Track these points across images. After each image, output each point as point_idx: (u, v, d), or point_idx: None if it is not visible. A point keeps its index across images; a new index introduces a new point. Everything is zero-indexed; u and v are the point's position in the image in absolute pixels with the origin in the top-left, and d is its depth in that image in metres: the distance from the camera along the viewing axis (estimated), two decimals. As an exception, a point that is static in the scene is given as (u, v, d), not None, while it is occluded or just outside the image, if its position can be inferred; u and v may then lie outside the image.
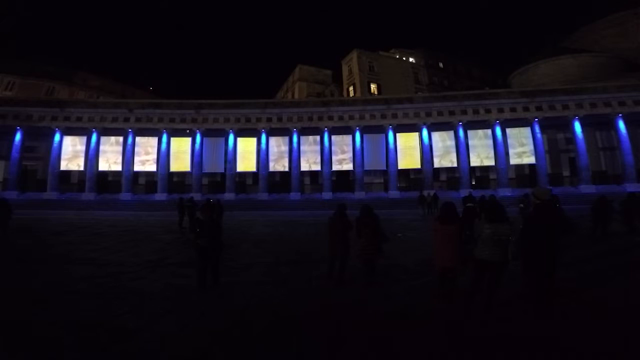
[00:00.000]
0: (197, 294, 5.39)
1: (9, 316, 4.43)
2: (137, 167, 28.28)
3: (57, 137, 27.31)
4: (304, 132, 28.74)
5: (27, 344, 3.63)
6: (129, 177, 27.68)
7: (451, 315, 4.34)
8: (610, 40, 38.17)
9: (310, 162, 28.75)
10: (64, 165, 27.62)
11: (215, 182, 30.18)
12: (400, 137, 28.37)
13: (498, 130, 26.96)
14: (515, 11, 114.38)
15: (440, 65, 50.50)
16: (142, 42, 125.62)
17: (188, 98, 31.31)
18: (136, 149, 28.23)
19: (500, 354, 3.39)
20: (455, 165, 27.64)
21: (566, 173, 28.35)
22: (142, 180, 29.93)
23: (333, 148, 28.70)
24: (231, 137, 28.52)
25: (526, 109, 26.74)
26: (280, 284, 5.95)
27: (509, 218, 4.39)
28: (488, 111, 27.27)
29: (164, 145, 28.16)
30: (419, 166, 28.23)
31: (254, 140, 29.11)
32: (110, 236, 12.19)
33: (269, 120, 28.62)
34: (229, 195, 26.87)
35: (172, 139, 28.68)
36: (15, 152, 26.49)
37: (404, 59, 48.60)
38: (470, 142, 27.62)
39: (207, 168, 28.78)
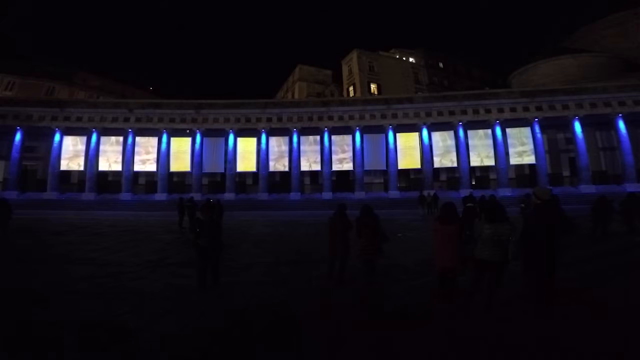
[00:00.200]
0: (197, 294, 5.39)
1: (9, 316, 4.44)
2: (137, 167, 28.29)
3: (57, 137, 27.32)
4: (304, 132, 28.74)
5: (27, 344, 3.63)
6: (129, 177, 27.69)
7: (451, 315, 4.34)
8: (610, 40, 38.17)
9: (310, 162, 28.75)
10: (64, 165, 27.63)
11: (215, 182, 30.18)
12: (400, 137, 28.38)
13: (498, 130, 26.96)
14: (515, 11, 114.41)
15: (440, 65, 50.50)
16: (142, 42, 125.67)
17: (188, 98, 31.32)
18: (136, 149, 28.24)
19: (500, 354, 3.38)
20: (455, 165, 27.65)
21: (566, 173, 28.36)
22: (142, 180, 29.94)
23: (333, 148, 28.70)
24: (231, 137, 28.52)
25: (526, 109, 26.74)
26: (280, 284, 5.95)
27: (509, 218, 4.39)
28: (488, 111, 27.28)
29: (164, 145, 28.17)
30: (419, 166, 28.23)
31: (254, 140, 29.11)
32: (110, 236, 12.19)
33: (269, 120, 28.62)
34: (229, 195, 26.88)
35: (172, 139, 28.68)
36: (15, 152, 26.49)
37: (404, 59, 48.60)
38: (470, 142, 27.62)
39: (207, 168, 28.78)
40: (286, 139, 28.98)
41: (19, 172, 26.76)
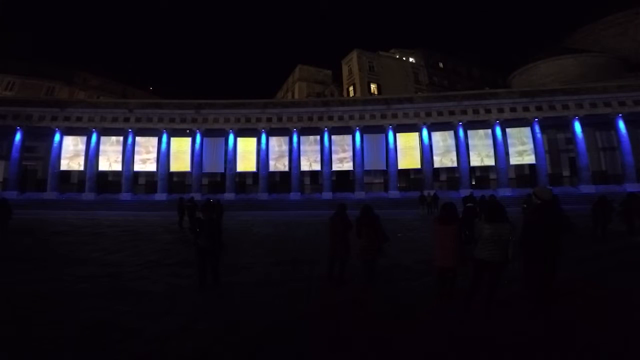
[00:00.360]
0: (198, 294, 5.39)
1: (9, 316, 4.44)
2: (137, 167, 28.29)
3: (57, 137, 27.32)
4: (304, 132, 28.75)
5: (27, 344, 3.63)
6: (129, 177, 27.69)
7: (451, 315, 4.34)
8: (610, 40, 38.18)
9: (310, 162, 28.76)
10: (64, 165, 27.63)
11: (215, 182, 30.19)
12: (400, 137, 28.38)
13: (498, 130, 26.97)
14: (515, 11, 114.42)
15: (440, 65, 50.49)
16: (142, 42, 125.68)
17: (188, 98, 31.29)
18: (136, 148, 28.24)
19: (500, 354, 3.39)
20: (455, 165, 27.65)
21: (566, 173, 28.37)
22: (142, 180, 29.94)
23: (333, 148, 28.70)
24: (231, 137, 28.53)
25: (526, 109, 26.75)
26: (281, 284, 5.95)
27: (508, 218, 4.39)
28: (488, 111, 27.28)
29: (164, 145, 28.17)
30: (419, 166, 28.23)
31: (254, 140, 29.12)
32: (110, 236, 12.19)
33: (269, 120, 28.63)
34: (229, 195, 26.89)
35: (172, 139, 28.69)
36: (15, 152, 26.49)
37: (404, 59, 48.59)
38: (470, 142, 27.62)
39: (207, 168, 28.79)
40: (286, 139, 28.99)
41: (19, 172, 26.76)
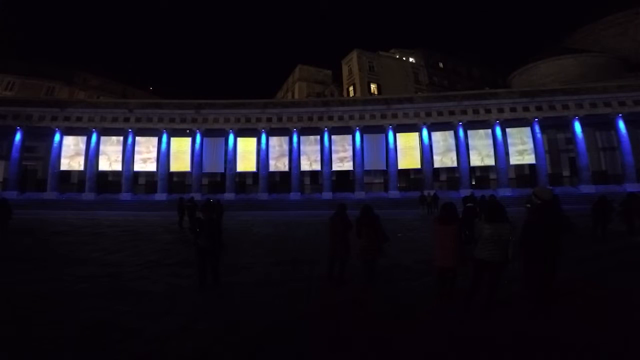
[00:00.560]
0: (198, 294, 5.39)
1: (9, 316, 4.44)
2: (137, 167, 28.29)
3: (57, 137, 27.32)
4: (304, 132, 28.75)
5: (27, 344, 3.63)
6: (129, 177, 27.69)
7: (451, 315, 4.34)
8: (611, 40, 38.18)
9: (310, 162, 28.75)
10: (64, 165, 27.63)
11: (215, 182, 30.19)
12: (400, 137, 28.38)
13: (498, 130, 26.97)
14: (515, 11, 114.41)
15: (440, 65, 50.49)
16: (142, 42, 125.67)
17: (188, 98, 31.31)
18: (136, 148, 28.24)
19: (500, 354, 3.39)
20: (455, 165, 27.65)
21: (566, 173, 28.37)
22: (142, 180, 29.94)
23: (333, 148, 28.70)
24: (231, 137, 28.53)
25: (526, 109, 26.74)
26: (281, 284, 5.95)
27: (508, 218, 4.39)
28: (488, 111, 27.28)
29: (164, 145, 28.17)
30: (419, 166, 28.23)
31: (254, 140, 29.12)
32: (110, 236, 12.19)
33: (269, 120, 28.63)
34: (229, 195, 26.89)
35: (172, 139, 28.69)
36: (15, 152, 26.49)
37: (404, 59, 48.58)
38: (470, 142, 27.62)
39: (207, 168, 28.79)
40: (286, 138, 28.99)
41: (19, 172, 26.76)
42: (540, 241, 4.01)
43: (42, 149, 28.89)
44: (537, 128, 26.64)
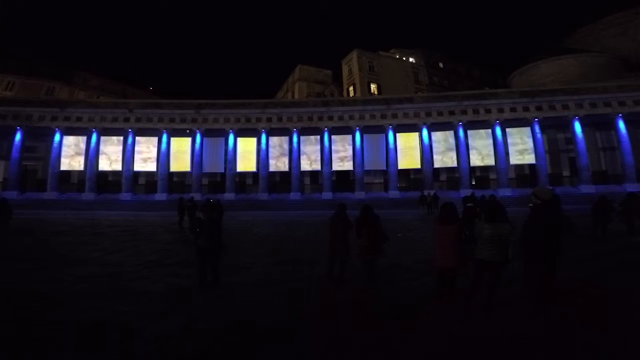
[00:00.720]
0: (198, 294, 5.39)
1: (9, 316, 4.44)
2: (137, 167, 28.29)
3: (57, 137, 27.32)
4: (304, 132, 28.74)
5: (27, 344, 3.63)
6: (129, 177, 27.69)
7: (451, 315, 4.34)
8: (611, 40, 38.18)
9: (310, 162, 28.75)
10: (64, 165, 27.62)
11: (215, 182, 30.19)
12: (400, 137, 28.38)
13: (498, 130, 26.96)
14: (515, 11, 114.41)
15: (440, 65, 50.50)
16: (142, 42, 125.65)
17: (188, 98, 31.34)
18: (136, 148, 28.24)
19: (501, 354, 3.39)
20: (455, 165, 27.65)
21: (566, 173, 28.36)
22: (142, 180, 29.95)
23: (333, 148, 28.70)
24: (231, 137, 28.52)
25: (526, 109, 26.74)
26: (281, 284, 5.95)
27: (509, 218, 4.39)
28: (488, 111, 27.27)
29: (164, 145, 28.17)
30: (419, 166, 28.23)
31: (254, 140, 29.12)
32: (110, 236, 12.19)
33: (269, 120, 28.63)
34: (229, 195, 26.88)
35: (172, 139, 28.68)
36: (15, 152, 26.49)
37: (404, 59, 48.59)
38: (470, 142, 27.61)
39: (207, 168, 28.78)
40: (286, 138, 28.99)
41: (19, 172, 26.75)
42: (540, 241, 4.01)
43: (42, 149, 28.89)
44: (537, 128, 26.64)
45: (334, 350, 3.47)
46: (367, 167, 28.39)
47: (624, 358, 3.32)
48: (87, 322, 4.19)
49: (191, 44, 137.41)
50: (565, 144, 28.47)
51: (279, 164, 28.80)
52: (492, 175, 28.54)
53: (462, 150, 27.27)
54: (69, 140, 27.99)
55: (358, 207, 6.07)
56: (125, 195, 27.06)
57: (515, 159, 27.20)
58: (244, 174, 29.95)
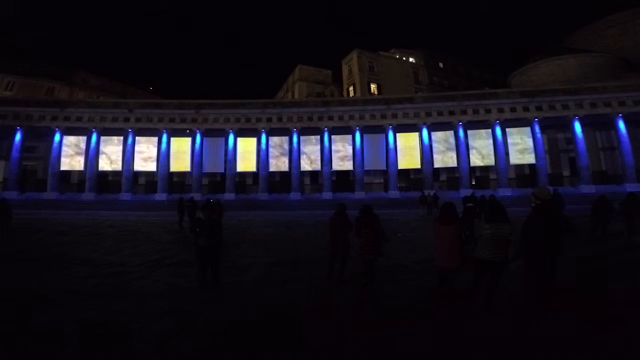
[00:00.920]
0: (198, 294, 5.39)
1: (9, 316, 4.44)
2: (137, 167, 28.28)
3: (57, 137, 27.30)
4: (304, 132, 28.74)
5: (27, 343, 3.63)
6: (129, 177, 27.69)
7: (451, 315, 4.34)
8: (611, 40, 38.17)
9: (310, 162, 28.76)
10: (64, 165, 27.62)
11: (215, 182, 30.19)
12: (400, 137, 28.37)
13: (498, 130, 26.95)
14: (515, 11, 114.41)
15: (440, 65, 50.49)
16: (142, 42, 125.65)
17: (188, 98, 31.33)
18: (136, 148, 28.24)
19: (500, 353, 3.39)
20: (455, 165, 27.64)
21: (566, 173, 28.35)
22: (142, 180, 29.95)
23: (333, 148, 28.70)
24: (231, 137, 28.52)
25: (526, 109, 26.74)
26: (281, 284, 5.95)
27: (509, 218, 4.39)
28: (488, 111, 27.27)
29: (164, 145, 28.16)
30: (419, 166, 28.23)
31: (254, 140, 29.11)
32: (111, 236, 12.20)
33: (269, 120, 28.62)
34: (229, 195, 26.88)
35: (172, 139, 28.68)
36: (15, 152, 26.48)
37: (404, 59, 48.58)
38: (470, 142, 27.61)
39: (207, 168, 28.78)
40: (286, 138, 28.98)
41: (19, 172, 26.75)
42: (540, 241, 4.01)
43: (42, 149, 28.87)
44: (537, 128, 26.64)
45: (335, 350, 3.46)
46: (367, 167, 28.38)
47: (625, 358, 3.32)
48: (87, 322, 4.19)
49: (191, 44, 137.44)
50: (565, 144, 28.47)
51: (279, 164, 28.80)
52: (492, 175, 28.54)
53: (462, 150, 27.27)
54: (69, 140, 27.99)
55: (358, 207, 6.07)
56: (125, 195, 27.06)
57: (515, 159, 27.20)
58: (244, 174, 29.94)
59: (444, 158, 28.03)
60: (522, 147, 27.00)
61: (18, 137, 26.65)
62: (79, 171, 28.40)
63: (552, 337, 3.61)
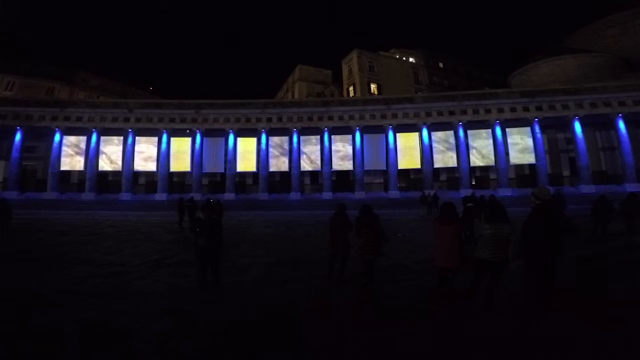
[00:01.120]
0: (198, 294, 5.39)
1: (9, 316, 4.44)
2: (137, 167, 28.28)
3: (57, 137, 27.30)
4: (304, 132, 28.74)
5: (27, 343, 3.63)
6: (129, 177, 27.68)
7: (451, 315, 4.34)
8: (611, 40, 38.17)
9: (310, 162, 28.76)
10: (64, 165, 27.61)
11: (215, 182, 30.18)
12: (400, 137, 28.37)
13: (498, 130, 26.95)
14: (515, 11, 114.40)
15: (440, 65, 50.49)
16: (142, 42, 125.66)
17: (188, 98, 31.33)
18: (136, 148, 28.24)
19: (501, 353, 3.39)
20: (455, 165, 27.64)
21: (566, 173, 28.35)
22: (142, 180, 29.94)
23: (333, 148, 28.70)
24: (231, 137, 28.52)
25: (526, 109, 26.74)
26: (281, 284, 5.95)
27: (509, 218, 4.40)
28: (488, 111, 27.27)
29: (164, 145, 28.16)
30: (419, 166, 28.23)
31: (254, 140, 29.11)
32: (110, 236, 12.19)
33: (269, 120, 28.62)
34: (229, 195, 26.88)
35: (172, 139, 28.67)
36: (15, 152, 26.47)
37: (404, 59, 48.58)
38: (470, 142, 27.61)
39: (207, 168, 28.77)
40: (286, 138, 28.98)
41: (19, 172, 26.73)
42: (540, 241, 4.01)
43: (42, 149, 28.86)
44: (537, 128, 26.63)
45: (335, 350, 3.46)
46: (367, 167, 28.38)
47: (625, 358, 3.32)
48: (87, 322, 4.19)
49: (191, 44, 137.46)
50: (565, 144, 28.46)
51: (279, 164, 28.80)
52: (492, 175, 28.54)
53: (462, 150, 27.26)
54: (69, 140, 27.99)
55: (358, 207, 6.07)
56: (125, 195, 27.06)
57: (515, 159, 27.20)
58: (244, 174, 29.94)
59: (444, 158, 28.03)
60: (522, 147, 27.00)
61: (18, 137, 26.65)
62: (79, 171, 28.39)
63: (552, 337, 3.61)
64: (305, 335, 3.83)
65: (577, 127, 26.05)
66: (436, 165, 27.99)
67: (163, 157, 28.04)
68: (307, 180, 30.38)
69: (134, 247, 9.81)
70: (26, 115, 26.89)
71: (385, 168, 28.19)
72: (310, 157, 28.75)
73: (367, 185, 28.84)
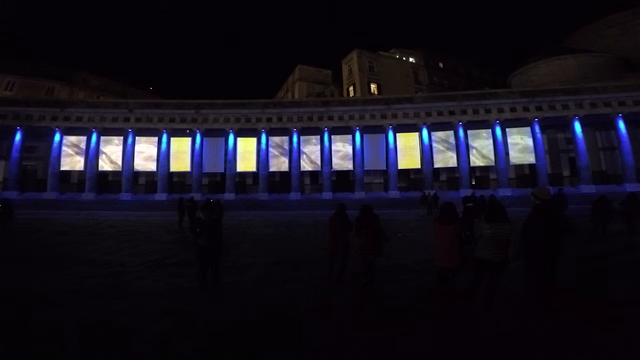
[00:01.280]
0: (198, 294, 5.39)
1: (9, 316, 4.44)
2: (137, 167, 28.28)
3: (57, 137, 27.30)
4: (304, 132, 28.74)
5: (27, 343, 3.63)
6: (129, 177, 27.68)
7: (451, 315, 4.34)
8: (611, 40, 38.17)
9: (310, 162, 28.76)
10: (64, 165, 27.61)
11: (215, 182, 30.19)
12: (400, 137, 28.37)
13: (498, 130, 26.95)
14: (515, 11, 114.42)
15: (440, 65, 50.49)
16: (142, 42, 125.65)
17: (188, 98, 31.33)
18: (136, 148, 28.24)
19: (501, 353, 3.39)
20: (455, 165, 27.64)
21: (566, 173, 28.35)
22: (142, 180, 29.94)
23: (333, 148, 28.70)
24: (231, 137, 28.52)
25: (526, 109, 26.74)
26: (281, 284, 5.95)
27: (509, 218, 4.40)
28: (488, 111, 27.27)
29: (164, 145, 28.16)
30: (419, 166, 28.23)
31: (254, 140, 29.11)
32: (110, 236, 12.19)
33: (269, 120, 28.62)
34: (229, 195, 26.88)
35: (172, 139, 28.67)
36: (15, 152, 26.47)
37: (404, 59, 48.58)
38: (470, 142, 27.61)
39: (207, 168, 28.77)
40: (286, 138, 28.98)
41: (19, 172, 26.74)
42: (540, 241, 4.01)
43: (42, 149, 28.86)
44: (537, 128, 26.63)
45: (335, 350, 3.46)
46: (367, 167, 28.38)
47: (625, 358, 3.32)
48: (87, 322, 4.19)
49: (191, 44, 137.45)
50: (565, 144, 28.46)
51: (279, 164, 28.80)
52: (492, 175, 28.53)
53: (462, 150, 27.26)
54: (69, 140, 27.98)
55: (358, 207, 6.07)
56: (125, 195, 27.06)
57: (515, 159, 27.20)
58: (244, 174, 29.94)
59: (444, 158, 28.03)
60: (522, 147, 27.00)
61: (18, 137, 26.64)
62: (79, 171, 28.39)
63: (552, 337, 3.61)
64: (305, 335, 3.83)
65: (577, 127, 26.05)
66: (436, 165, 27.98)
67: (163, 157, 28.04)
68: (307, 180, 30.38)
69: (134, 247, 9.81)
70: (26, 115, 26.89)
71: (385, 168, 28.19)
72: (310, 157, 28.75)
73: (367, 185, 28.84)
